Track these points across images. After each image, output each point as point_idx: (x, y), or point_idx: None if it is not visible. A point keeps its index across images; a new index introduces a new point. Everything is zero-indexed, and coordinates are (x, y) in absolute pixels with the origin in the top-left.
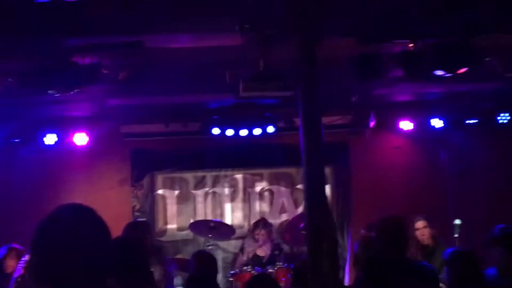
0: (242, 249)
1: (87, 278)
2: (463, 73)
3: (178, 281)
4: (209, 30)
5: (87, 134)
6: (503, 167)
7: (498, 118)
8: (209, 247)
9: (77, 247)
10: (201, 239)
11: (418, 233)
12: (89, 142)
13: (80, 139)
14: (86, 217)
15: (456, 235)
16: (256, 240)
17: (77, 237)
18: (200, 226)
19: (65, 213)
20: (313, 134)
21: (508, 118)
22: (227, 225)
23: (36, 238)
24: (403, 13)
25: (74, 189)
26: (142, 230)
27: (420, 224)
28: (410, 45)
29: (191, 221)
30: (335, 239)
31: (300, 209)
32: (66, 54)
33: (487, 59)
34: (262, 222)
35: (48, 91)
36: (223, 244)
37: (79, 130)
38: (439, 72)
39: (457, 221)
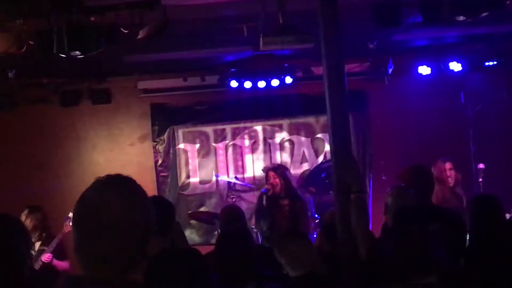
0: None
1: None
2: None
3: None
4: None
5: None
6: None
7: None
8: (233, 199)
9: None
10: (224, 192)
11: (445, 174)
12: None
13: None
14: (127, 189)
15: (480, 180)
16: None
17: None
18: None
19: (104, 187)
20: (337, 83)
21: None
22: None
23: (77, 212)
24: None
25: (95, 146)
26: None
27: (448, 165)
28: None
29: (214, 174)
30: (362, 188)
31: (321, 159)
32: (84, 15)
33: (507, 1)
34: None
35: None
36: (245, 195)
37: None
38: (460, 18)
39: (481, 166)
